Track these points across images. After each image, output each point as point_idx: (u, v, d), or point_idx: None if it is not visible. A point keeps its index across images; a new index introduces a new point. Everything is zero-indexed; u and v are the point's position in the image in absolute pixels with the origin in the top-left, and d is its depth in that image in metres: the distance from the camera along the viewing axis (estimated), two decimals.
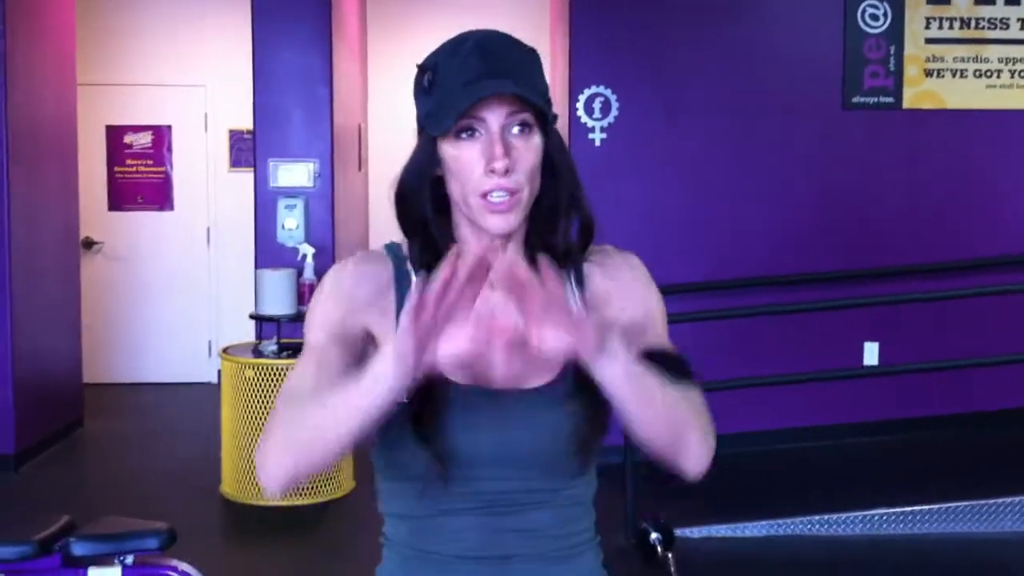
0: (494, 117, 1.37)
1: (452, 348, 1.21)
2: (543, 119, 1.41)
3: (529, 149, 1.39)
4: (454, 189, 1.41)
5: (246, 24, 6.10)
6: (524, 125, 1.39)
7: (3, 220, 5.71)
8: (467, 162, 1.38)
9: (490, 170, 1.36)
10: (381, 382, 1.22)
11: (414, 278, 1.44)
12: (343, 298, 1.45)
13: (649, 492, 4.86)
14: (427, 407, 1.35)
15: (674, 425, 1.37)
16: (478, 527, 1.40)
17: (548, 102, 1.42)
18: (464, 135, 1.38)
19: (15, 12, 5.79)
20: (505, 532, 1.41)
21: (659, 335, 1.53)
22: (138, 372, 8.07)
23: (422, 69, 1.41)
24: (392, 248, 1.50)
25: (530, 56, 1.42)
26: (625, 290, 1.51)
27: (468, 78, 1.35)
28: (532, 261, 1.42)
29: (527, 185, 1.39)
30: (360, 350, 1.44)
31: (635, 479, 4.59)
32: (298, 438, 1.29)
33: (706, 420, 1.43)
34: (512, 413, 1.39)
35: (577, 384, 1.39)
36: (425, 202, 1.43)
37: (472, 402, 1.38)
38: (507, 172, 1.36)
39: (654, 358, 1.42)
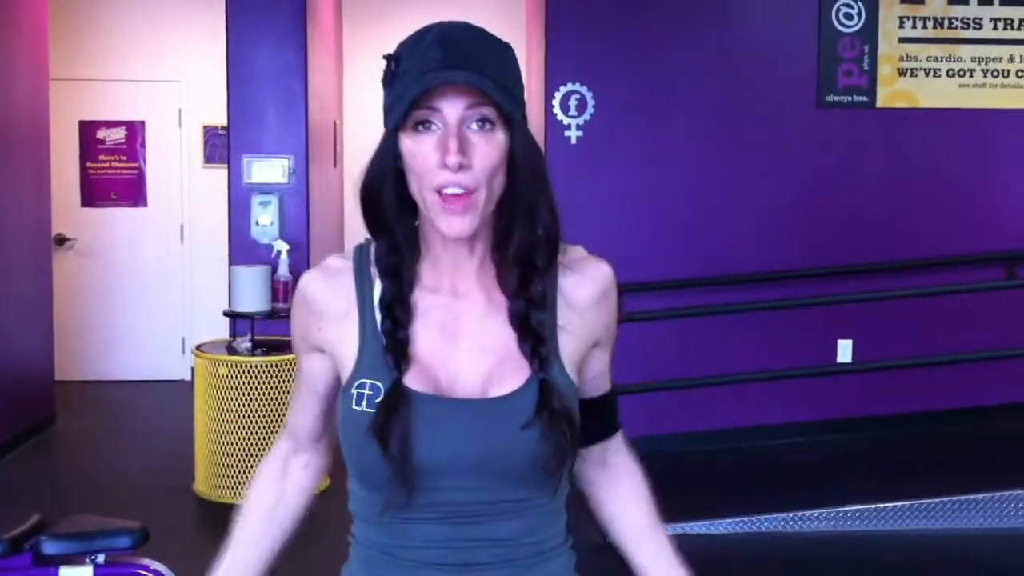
0: (451, 109, 1.32)
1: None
2: (510, 117, 1.34)
3: (489, 146, 1.33)
4: (412, 184, 1.36)
5: (220, 19, 6.07)
6: (485, 121, 1.33)
7: None
8: (422, 155, 1.32)
9: (443, 164, 1.31)
10: None
11: (376, 281, 1.42)
12: (299, 315, 1.49)
13: None
14: (389, 417, 1.33)
15: None
16: (443, 536, 1.38)
17: (515, 98, 1.35)
18: (421, 128, 1.33)
19: None
20: (471, 541, 1.38)
21: (609, 352, 1.54)
22: (111, 369, 8.01)
23: (388, 59, 1.36)
24: (360, 249, 1.47)
25: (500, 50, 1.35)
26: (595, 304, 1.47)
27: (425, 68, 1.30)
28: (498, 266, 1.42)
29: (485, 185, 1.33)
30: (325, 359, 1.49)
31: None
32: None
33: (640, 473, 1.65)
34: (475, 423, 1.36)
35: (543, 393, 1.36)
36: (387, 198, 1.38)
37: (435, 412, 1.36)
38: (461, 167, 1.31)
39: (603, 404, 1.54)
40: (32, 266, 6.46)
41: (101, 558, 3.19)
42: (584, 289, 1.46)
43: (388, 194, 1.38)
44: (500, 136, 1.34)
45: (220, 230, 6.53)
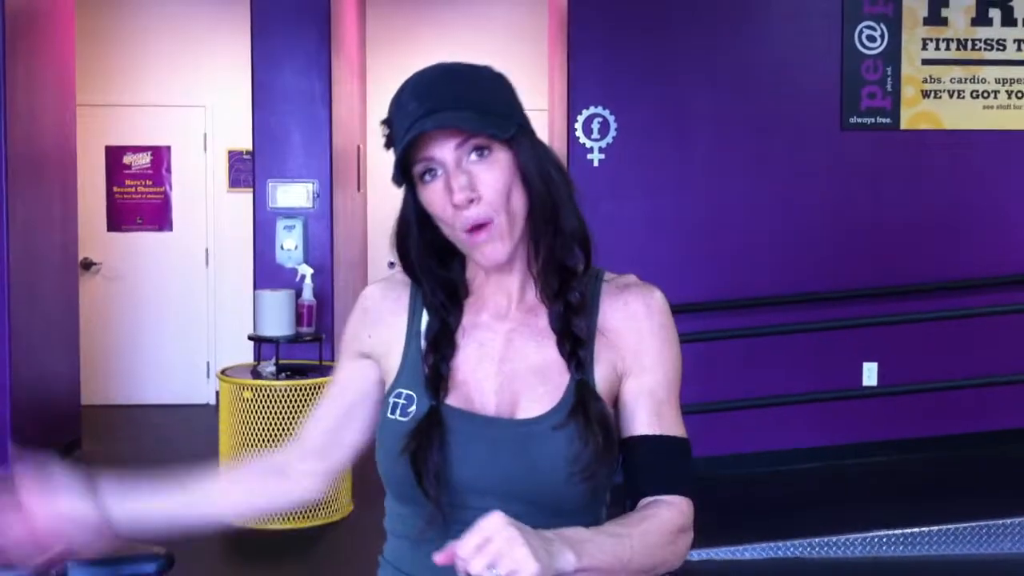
0: (443, 152, 1.36)
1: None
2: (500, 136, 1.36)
3: (492, 171, 1.36)
4: (445, 231, 1.41)
5: (246, 44, 6.12)
6: (480, 149, 1.36)
7: (2, 241, 5.70)
8: (437, 204, 1.38)
9: (454, 205, 1.35)
10: None
11: (426, 312, 1.47)
12: (359, 319, 1.53)
13: None
14: (425, 440, 1.35)
15: (645, 570, 1.33)
16: None
17: (501, 116, 1.36)
18: (427, 178, 1.38)
19: (15, 33, 5.81)
20: None
21: (670, 393, 1.44)
22: (136, 393, 8.05)
23: (383, 124, 1.43)
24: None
25: (473, 77, 1.38)
26: (635, 327, 1.44)
27: (406, 124, 1.35)
28: (539, 277, 1.44)
29: (502, 210, 1.36)
30: (364, 368, 1.52)
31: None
32: None
33: (677, 549, 1.37)
34: (508, 441, 1.37)
35: (579, 393, 1.37)
36: (416, 249, 1.44)
37: (469, 434, 1.37)
38: (470, 203, 1.35)
39: (654, 449, 1.38)
40: (59, 290, 6.51)
41: None
42: (624, 310, 1.44)
43: (415, 245, 1.44)
44: (502, 157, 1.37)
45: (245, 254, 6.57)
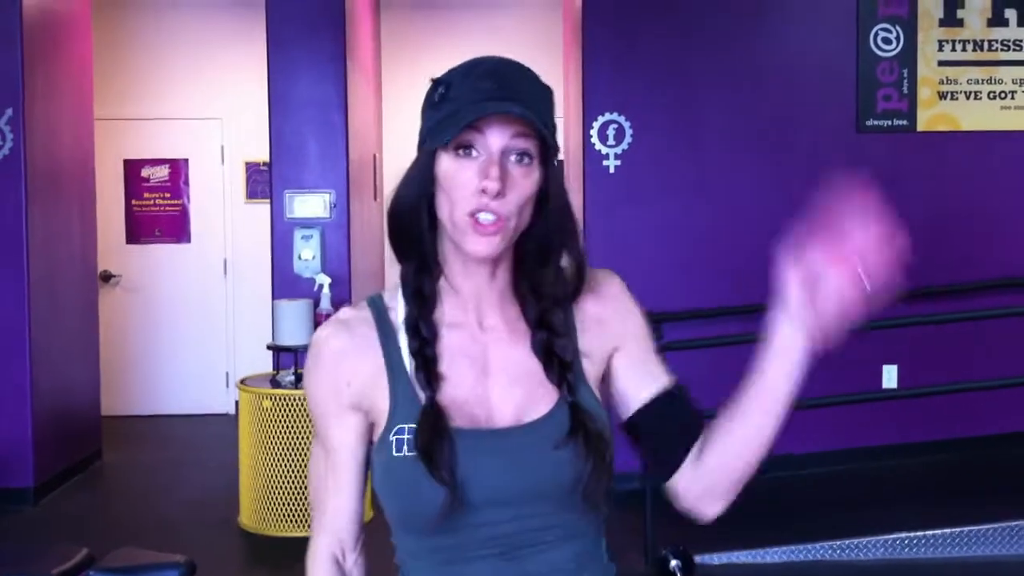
0: (496, 138, 1.35)
1: None
2: (545, 154, 1.38)
3: (525, 180, 1.37)
4: (443, 206, 1.38)
5: (261, 57, 6.16)
6: (524, 155, 1.36)
7: (22, 253, 5.75)
8: (461, 179, 1.35)
9: (481, 189, 1.33)
10: None
11: (399, 329, 1.42)
12: (325, 373, 1.44)
13: (668, 518, 4.83)
14: (435, 443, 1.33)
15: (755, 460, 1.54)
16: (497, 572, 1.38)
17: (553, 137, 1.39)
18: (462, 152, 1.36)
19: (33, 48, 5.86)
20: (523, 574, 1.39)
21: (649, 350, 1.53)
22: (156, 404, 8.09)
23: (435, 83, 1.39)
24: (373, 302, 1.47)
25: (544, 91, 1.40)
26: (616, 310, 1.51)
27: (478, 97, 1.34)
28: (521, 302, 1.45)
29: (515, 215, 1.36)
30: (359, 422, 1.43)
31: (654, 504, 4.57)
32: None
33: None
34: (516, 450, 1.38)
35: (574, 416, 1.38)
36: (421, 220, 1.40)
37: (477, 445, 1.37)
38: (498, 195, 1.34)
39: (675, 397, 1.50)
40: (79, 302, 6.55)
41: None
42: (598, 304, 1.49)
43: (423, 216, 1.40)
44: (536, 173, 1.38)
45: (263, 265, 6.60)
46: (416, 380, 1.38)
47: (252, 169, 8.15)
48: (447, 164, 1.37)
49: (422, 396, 1.37)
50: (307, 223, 5.95)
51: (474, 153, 1.36)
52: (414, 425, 1.36)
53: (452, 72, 1.39)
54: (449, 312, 1.43)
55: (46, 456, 5.92)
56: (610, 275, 1.53)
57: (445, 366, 1.40)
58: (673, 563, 4.27)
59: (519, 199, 1.36)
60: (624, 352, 1.49)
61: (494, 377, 1.42)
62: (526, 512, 1.37)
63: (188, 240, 8.21)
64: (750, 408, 1.48)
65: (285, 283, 5.92)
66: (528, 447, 1.37)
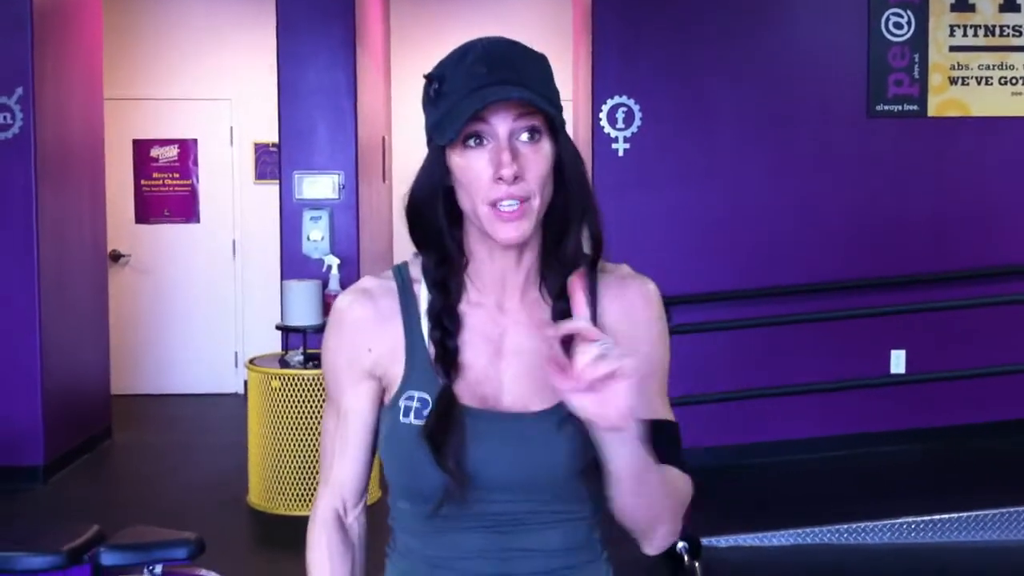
0: (501, 123, 1.34)
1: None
2: (553, 125, 1.37)
3: (538, 156, 1.35)
4: (463, 199, 1.37)
5: (271, 38, 6.15)
6: (533, 131, 1.35)
7: (32, 233, 5.77)
8: (475, 171, 1.34)
9: (498, 178, 1.33)
10: None
11: (422, 300, 1.44)
12: (345, 340, 1.46)
13: None
14: (443, 430, 1.34)
15: (652, 515, 1.37)
16: (486, 545, 1.40)
17: (558, 108, 1.37)
18: (471, 143, 1.35)
19: (43, 29, 5.87)
20: (513, 551, 1.40)
21: (660, 384, 1.46)
22: (165, 383, 8.12)
23: (429, 79, 1.38)
24: (399, 271, 1.48)
25: (538, 62, 1.39)
26: (640, 330, 1.45)
27: (473, 86, 1.32)
28: (543, 275, 1.44)
29: (538, 193, 1.35)
30: (372, 389, 1.45)
31: None
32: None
33: (681, 511, 1.41)
34: (519, 436, 1.38)
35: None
36: (438, 214, 1.40)
37: (483, 426, 1.37)
38: (515, 179, 1.33)
39: (652, 431, 1.35)
40: (88, 282, 6.57)
41: (158, 569, 3.23)
42: (623, 302, 1.45)
43: (439, 209, 1.40)
44: (547, 146, 1.36)
45: (271, 245, 6.61)
46: (435, 367, 1.39)
47: (261, 150, 8.15)
48: (458, 158, 1.36)
49: (436, 371, 1.39)
50: (316, 204, 5.96)
51: (483, 142, 1.35)
52: (425, 395, 1.38)
53: (443, 64, 1.38)
54: (471, 290, 1.44)
55: (56, 435, 5.95)
56: (649, 289, 1.48)
57: (462, 343, 1.40)
58: (680, 545, 4.29)
59: (538, 177, 1.35)
60: (649, 384, 1.41)
61: (507, 360, 1.41)
62: (522, 497, 1.38)
63: (197, 220, 8.22)
64: (617, 488, 1.33)
65: (294, 264, 5.93)
66: (537, 436, 1.37)
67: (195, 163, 8.19)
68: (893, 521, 4.71)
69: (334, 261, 5.76)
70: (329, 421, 1.50)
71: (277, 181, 6.22)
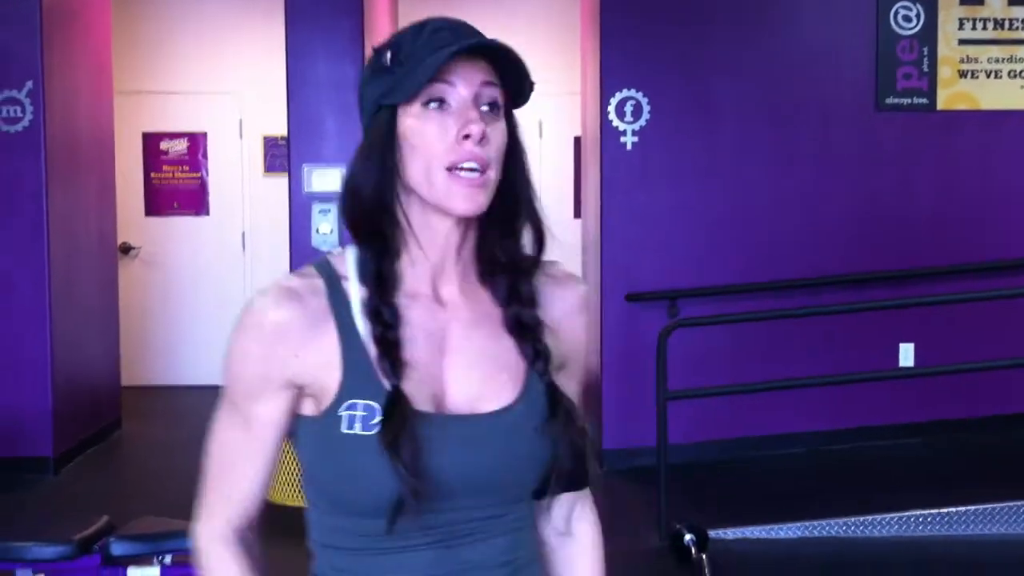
0: (466, 85, 1.26)
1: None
2: (508, 107, 1.30)
3: (497, 129, 1.28)
4: (413, 168, 1.26)
5: (279, 31, 6.16)
6: (494, 104, 1.28)
7: (42, 226, 5.79)
8: (434, 133, 1.25)
9: (464, 135, 1.24)
10: None
11: (353, 297, 1.30)
12: (266, 346, 1.29)
13: (682, 493, 4.87)
14: (400, 437, 1.22)
15: None
16: (434, 561, 1.29)
17: (528, 80, 1.30)
18: (432, 105, 1.26)
19: (52, 22, 5.88)
20: (462, 564, 1.30)
21: (576, 381, 1.43)
22: (175, 375, 8.15)
23: (380, 49, 1.30)
24: (323, 268, 1.33)
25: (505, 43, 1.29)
26: (576, 331, 1.42)
27: (439, 45, 1.24)
28: (481, 265, 1.35)
29: (495, 165, 1.27)
30: (290, 398, 1.30)
31: (668, 481, 4.59)
32: None
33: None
34: (474, 439, 1.28)
35: (552, 395, 1.32)
36: (390, 188, 1.29)
37: (435, 430, 1.26)
38: (482, 139, 1.24)
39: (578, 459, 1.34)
40: (99, 274, 6.60)
41: (168, 559, 3.26)
42: (562, 304, 1.40)
43: (391, 183, 1.29)
44: (503, 123, 1.30)
45: (281, 238, 6.63)
46: (380, 368, 1.26)
47: (270, 143, 8.17)
48: (414, 121, 1.26)
49: (379, 374, 1.26)
50: (325, 197, 5.96)
51: (444, 106, 1.26)
52: (370, 402, 1.25)
53: (398, 36, 1.30)
54: (408, 284, 1.32)
55: (66, 426, 5.98)
56: (579, 285, 1.44)
57: (404, 343, 1.28)
58: (687, 538, 4.29)
59: (497, 149, 1.27)
60: (563, 374, 1.39)
61: (451, 357, 1.31)
62: (472, 503, 1.29)
63: (207, 213, 8.25)
64: None
65: (303, 256, 5.94)
66: (492, 438, 1.29)
67: (204, 156, 8.21)
68: (901, 514, 4.71)
69: None
70: (231, 431, 1.34)
71: (286, 174, 6.24)
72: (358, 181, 1.31)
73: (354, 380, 1.26)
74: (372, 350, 1.27)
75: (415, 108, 1.26)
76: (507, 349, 1.33)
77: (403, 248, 1.31)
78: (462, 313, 1.33)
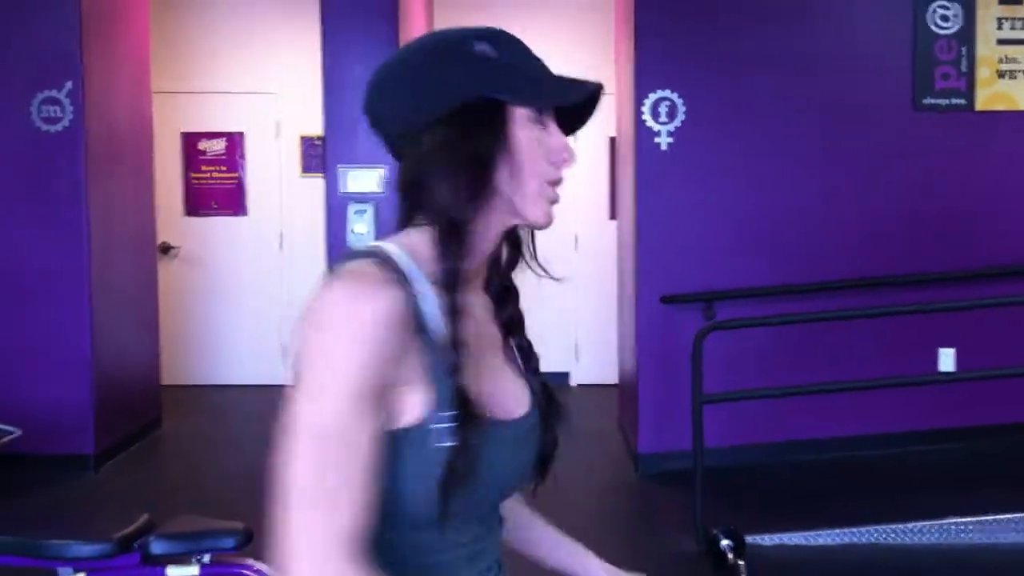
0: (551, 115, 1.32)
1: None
2: None
3: None
4: (508, 173, 1.26)
5: (316, 32, 6.19)
6: None
7: (82, 226, 5.86)
8: (545, 147, 1.28)
9: (563, 159, 1.29)
10: None
11: (423, 299, 1.21)
12: (377, 347, 1.13)
13: (719, 497, 4.84)
14: (474, 443, 1.19)
15: None
16: (469, 559, 1.30)
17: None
18: (536, 118, 1.28)
19: (91, 23, 5.95)
20: (487, 561, 1.33)
21: None
22: (214, 374, 8.22)
23: (466, 35, 1.29)
24: (386, 260, 1.22)
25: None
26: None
27: (549, 72, 1.31)
28: (498, 278, 1.39)
29: None
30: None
31: (704, 485, 4.58)
32: None
33: None
34: (519, 441, 1.31)
35: (547, 390, 1.39)
36: (487, 187, 1.26)
37: (495, 439, 1.25)
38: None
39: None
40: (138, 274, 6.67)
41: (207, 558, 3.27)
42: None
43: (491, 182, 1.26)
44: None
45: (317, 238, 6.67)
46: (451, 371, 1.19)
47: (307, 143, 8.21)
48: (525, 131, 1.27)
49: (452, 377, 1.19)
50: (360, 198, 5.99)
51: (543, 121, 1.29)
52: (450, 412, 1.18)
53: (484, 29, 1.30)
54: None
55: (106, 424, 6.05)
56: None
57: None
58: (724, 543, 4.26)
59: None
60: None
61: (486, 360, 1.30)
62: (497, 505, 1.37)
63: (245, 213, 8.30)
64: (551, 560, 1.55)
65: (339, 256, 5.98)
66: (531, 439, 1.34)
67: (242, 156, 8.27)
68: (940, 521, 4.66)
69: None
70: (328, 452, 1.15)
71: (323, 175, 6.27)
72: (485, 164, 1.25)
73: (440, 390, 1.18)
74: (449, 357, 1.19)
75: (526, 113, 1.27)
76: (509, 349, 1.39)
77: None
78: (481, 315, 1.34)
